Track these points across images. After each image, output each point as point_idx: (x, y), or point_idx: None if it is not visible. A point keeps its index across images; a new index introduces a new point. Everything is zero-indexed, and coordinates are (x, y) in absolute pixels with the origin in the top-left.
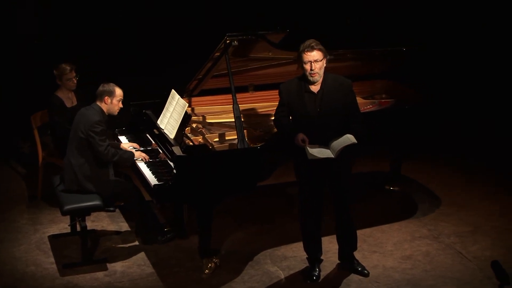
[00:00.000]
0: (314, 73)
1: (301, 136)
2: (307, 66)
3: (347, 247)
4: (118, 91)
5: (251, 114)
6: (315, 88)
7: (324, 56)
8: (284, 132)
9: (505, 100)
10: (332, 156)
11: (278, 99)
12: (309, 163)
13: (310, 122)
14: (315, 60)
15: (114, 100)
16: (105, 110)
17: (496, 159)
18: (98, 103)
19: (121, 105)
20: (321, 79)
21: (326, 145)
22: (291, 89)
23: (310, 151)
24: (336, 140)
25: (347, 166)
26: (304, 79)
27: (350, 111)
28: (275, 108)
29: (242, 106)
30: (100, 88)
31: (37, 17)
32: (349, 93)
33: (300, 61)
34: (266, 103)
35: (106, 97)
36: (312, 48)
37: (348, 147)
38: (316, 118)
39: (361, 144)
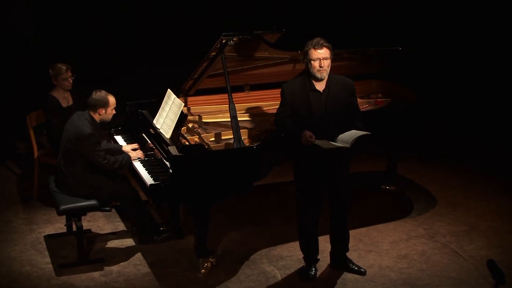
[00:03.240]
0: (323, 70)
1: (308, 133)
2: (316, 63)
3: (341, 248)
4: (112, 100)
5: (247, 113)
6: (320, 87)
7: (331, 55)
8: (288, 132)
9: (502, 100)
10: (347, 145)
11: (274, 98)
12: (310, 164)
13: (314, 121)
14: (324, 57)
15: (108, 110)
16: (97, 119)
17: (492, 159)
18: (91, 112)
19: (114, 112)
20: (326, 78)
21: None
22: (295, 88)
23: (322, 144)
24: (342, 134)
25: (347, 168)
26: (309, 78)
27: (352, 110)
28: (271, 107)
29: (238, 106)
30: (93, 97)
31: (33, 17)
32: (352, 92)
33: (307, 58)
34: (262, 103)
35: (100, 109)
36: (321, 46)
37: (359, 139)
38: (321, 116)
39: (359, 143)
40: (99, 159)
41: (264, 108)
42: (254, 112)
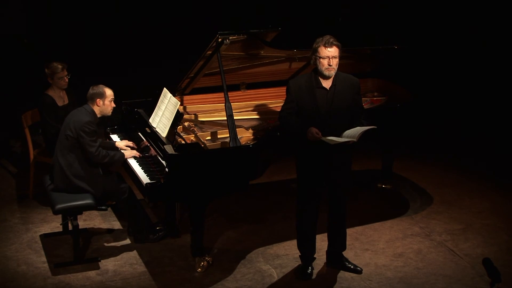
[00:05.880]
0: (332, 68)
1: (314, 129)
2: (325, 61)
3: (339, 247)
4: (108, 92)
5: (243, 112)
6: (327, 84)
7: (340, 53)
8: (292, 128)
9: (498, 99)
10: (354, 140)
11: (271, 97)
12: (313, 163)
13: (320, 118)
14: (333, 56)
15: (106, 101)
16: (97, 112)
17: (488, 157)
18: (90, 105)
19: (113, 105)
20: (333, 76)
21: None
22: (301, 85)
23: (328, 140)
24: (348, 130)
25: (348, 167)
26: (315, 75)
27: (357, 108)
28: (267, 106)
29: (234, 105)
30: (90, 91)
31: (25, 16)
32: (357, 91)
33: (315, 55)
34: (259, 101)
35: (97, 100)
36: (331, 44)
37: (365, 133)
38: (327, 113)
39: (365, 136)
40: (92, 149)
41: (261, 107)
42: (250, 111)
